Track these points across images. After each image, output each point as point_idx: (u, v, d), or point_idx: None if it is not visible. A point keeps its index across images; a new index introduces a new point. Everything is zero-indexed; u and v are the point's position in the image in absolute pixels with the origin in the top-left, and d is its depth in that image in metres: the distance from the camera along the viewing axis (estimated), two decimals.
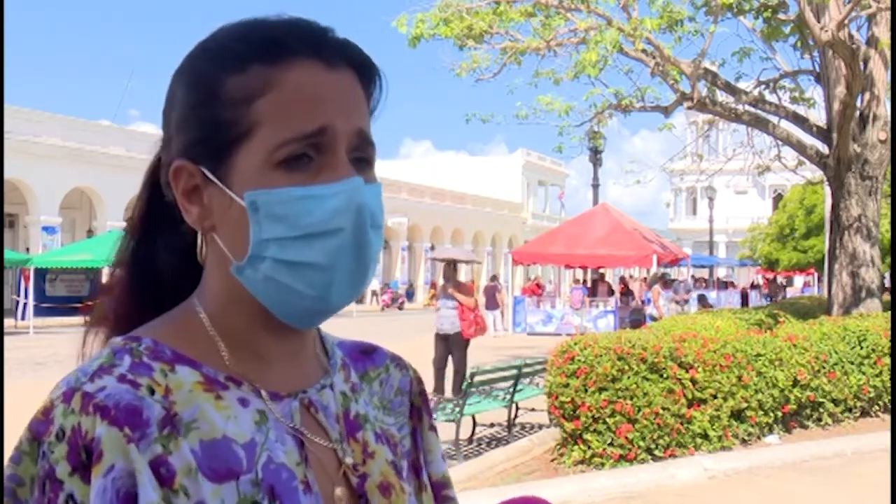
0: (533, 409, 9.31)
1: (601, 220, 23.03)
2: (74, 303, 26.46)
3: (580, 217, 25.49)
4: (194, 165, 0.87)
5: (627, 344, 7.30)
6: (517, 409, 9.10)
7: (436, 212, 50.48)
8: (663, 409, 7.09)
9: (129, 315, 0.92)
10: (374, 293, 41.43)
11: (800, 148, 13.33)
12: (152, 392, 0.81)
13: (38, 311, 24.99)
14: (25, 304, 25.35)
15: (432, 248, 45.20)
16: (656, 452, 7.08)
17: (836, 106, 11.82)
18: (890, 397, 9.00)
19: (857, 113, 12.14)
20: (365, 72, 0.89)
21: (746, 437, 7.75)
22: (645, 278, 25.88)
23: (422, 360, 10.16)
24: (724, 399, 7.48)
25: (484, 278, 40.99)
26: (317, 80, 0.85)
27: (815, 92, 14.64)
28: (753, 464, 7.17)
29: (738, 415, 7.66)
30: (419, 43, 12.30)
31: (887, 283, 21.43)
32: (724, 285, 44.77)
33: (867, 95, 12.20)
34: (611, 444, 7.02)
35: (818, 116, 14.37)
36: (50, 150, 29.47)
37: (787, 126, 13.46)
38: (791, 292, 40.26)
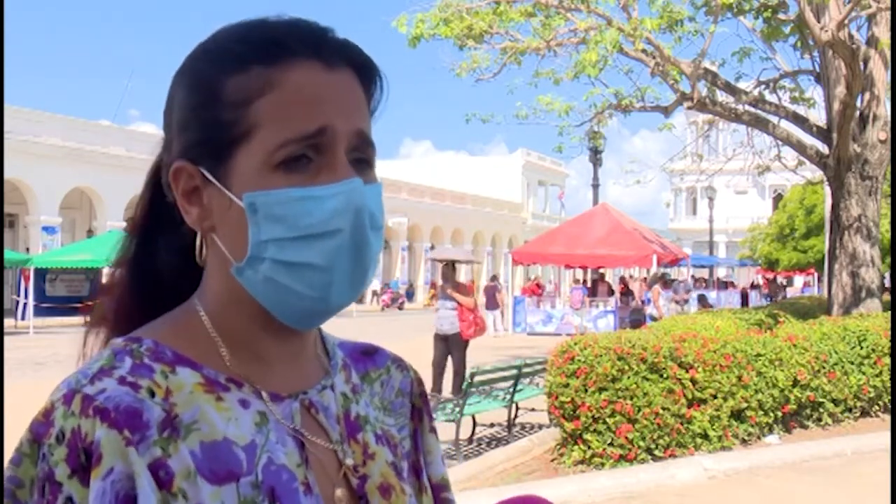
0: (533, 409, 9.31)
1: (601, 220, 23.03)
2: (74, 303, 26.46)
3: (580, 217, 25.49)
4: (194, 166, 0.87)
5: (627, 344, 7.30)
6: (517, 409, 9.10)
7: (436, 212, 50.48)
8: (663, 409, 7.09)
9: (129, 315, 0.92)
10: (374, 293, 41.44)
11: (800, 148, 13.33)
12: (152, 394, 0.81)
13: (38, 311, 24.99)
14: (25, 304, 25.36)
15: (432, 247, 45.20)
16: (656, 452, 7.08)
17: (836, 106, 11.82)
18: (890, 397, 8.99)
19: (857, 113, 12.14)
20: (365, 72, 0.89)
21: (746, 437, 7.75)
22: (645, 278, 25.88)
23: (422, 360, 10.16)
24: (724, 399, 7.48)
25: (484, 278, 41.01)
26: (316, 80, 0.84)
27: (815, 92, 14.65)
28: (753, 464, 7.17)
29: (738, 415, 7.66)
30: (419, 43, 12.30)
31: (887, 283, 21.43)
32: (724, 285, 44.77)
33: (867, 95, 12.20)
34: (611, 444, 7.02)
35: (818, 116, 14.37)
36: (50, 150, 29.47)
37: (787, 126, 13.47)
38: (791, 292, 40.25)
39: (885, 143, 12.00)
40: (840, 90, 11.61)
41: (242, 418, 0.85)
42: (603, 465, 6.98)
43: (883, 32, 11.51)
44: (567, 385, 7.13)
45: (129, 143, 32.85)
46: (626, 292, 25.49)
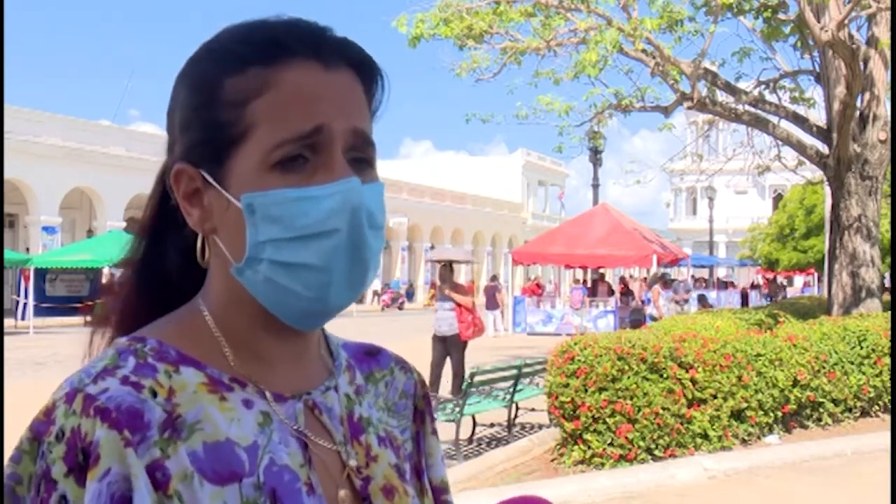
0: (533, 409, 9.31)
1: (601, 220, 23.03)
2: (74, 303, 26.48)
3: (580, 217, 25.49)
4: (194, 168, 0.87)
5: (627, 344, 7.30)
6: (517, 409, 9.10)
7: (436, 212, 50.49)
8: (663, 409, 7.09)
9: (136, 316, 0.92)
10: (375, 293, 41.45)
11: (800, 148, 13.33)
12: (154, 394, 0.81)
13: (38, 311, 25.00)
14: (25, 304, 25.36)
15: (432, 247, 45.21)
16: (656, 452, 7.08)
17: (836, 106, 11.82)
18: (890, 397, 8.99)
19: (857, 113, 12.14)
20: (365, 71, 0.89)
21: (746, 437, 7.75)
22: (645, 278, 25.88)
23: (422, 360, 10.16)
24: (724, 399, 7.48)
25: (484, 278, 41.00)
26: (313, 80, 0.84)
27: (815, 92, 14.65)
28: (753, 464, 7.17)
29: (738, 415, 7.66)
30: (419, 43, 12.30)
31: (887, 283, 21.43)
32: (724, 285, 44.76)
33: (867, 95, 12.20)
34: (611, 444, 7.02)
35: (818, 116, 14.37)
36: (50, 150, 29.48)
37: (787, 126, 13.46)
38: (791, 292, 40.24)
39: (885, 143, 12.00)
40: (840, 90, 11.61)
41: (245, 419, 0.85)
42: (603, 465, 6.98)
43: (883, 32, 11.51)
44: (567, 385, 7.13)
45: (129, 143, 32.87)
46: (626, 292, 25.49)
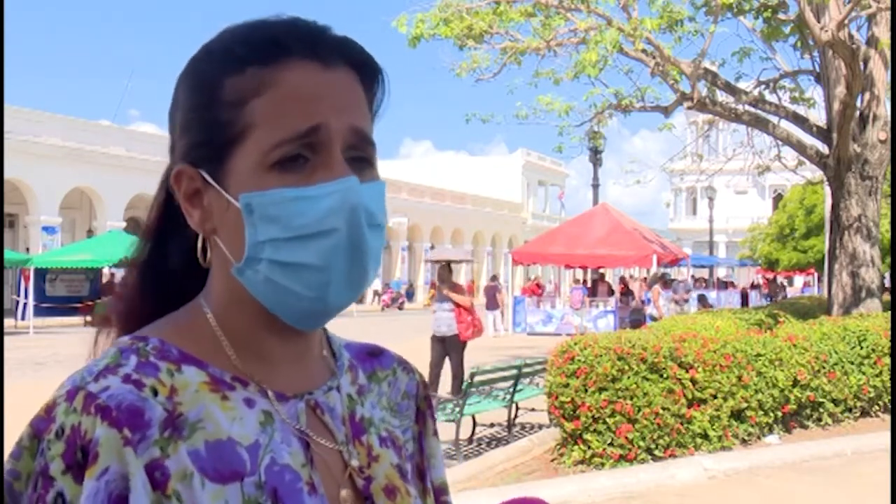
0: (533, 409, 9.31)
1: (601, 220, 23.02)
2: (74, 303, 26.50)
3: (580, 217, 25.49)
4: (194, 169, 0.87)
5: (627, 344, 7.30)
6: (517, 409, 9.10)
7: (436, 212, 50.50)
8: (663, 409, 7.10)
9: (140, 316, 0.92)
10: (375, 293, 41.46)
11: (800, 148, 13.33)
12: (155, 393, 0.81)
13: (38, 311, 25.01)
14: (25, 304, 25.36)
15: (432, 247, 45.24)
16: (656, 452, 7.08)
17: (836, 106, 11.82)
18: (890, 397, 9.00)
19: (857, 113, 12.14)
20: (365, 71, 0.89)
21: (746, 437, 7.75)
22: (645, 278, 25.88)
23: (422, 360, 10.16)
24: (724, 399, 7.48)
25: (484, 278, 41.01)
26: (311, 79, 0.84)
27: (815, 92, 14.65)
28: (753, 464, 7.17)
29: (738, 415, 7.66)
30: (419, 43, 12.30)
31: (887, 283, 21.43)
32: (724, 285, 44.77)
33: (867, 95, 12.20)
34: (611, 444, 7.02)
35: (818, 116, 14.37)
36: (50, 150, 29.49)
37: (787, 126, 13.47)
38: (791, 292, 40.25)
39: (885, 143, 12.00)
40: (840, 90, 11.61)
41: (247, 418, 0.85)
42: (603, 465, 6.98)
43: (883, 32, 11.51)
44: (567, 385, 7.13)
45: (129, 143, 32.90)
46: (626, 292, 25.49)
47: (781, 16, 12.95)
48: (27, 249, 29.23)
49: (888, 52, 11.39)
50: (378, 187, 0.87)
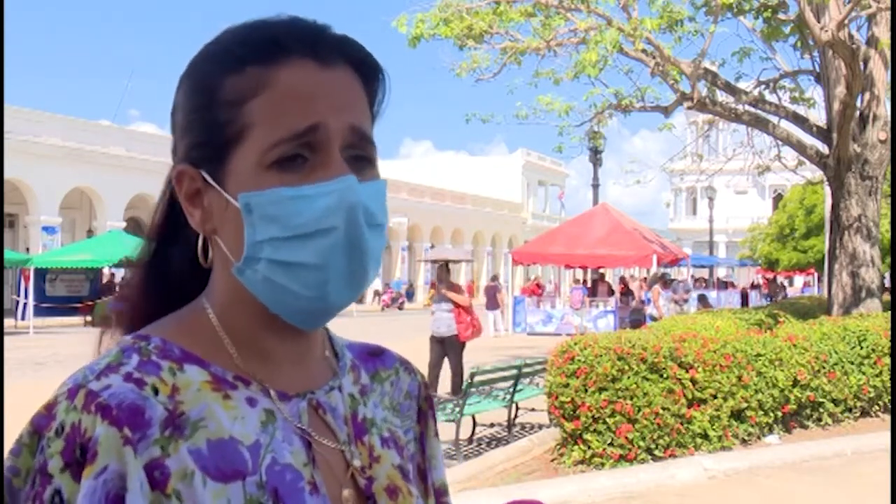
0: (533, 409, 9.31)
1: (601, 220, 23.02)
2: (74, 303, 26.50)
3: (580, 217, 25.48)
4: (195, 169, 0.87)
5: (627, 344, 7.30)
6: (517, 409, 9.10)
7: (436, 212, 50.49)
8: (663, 409, 7.09)
9: (144, 316, 0.92)
10: (376, 293, 41.45)
11: (800, 148, 13.33)
12: (156, 392, 0.82)
13: (38, 311, 25.01)
14: (25, 304, 25.36)
15: (432, 247, 45.21)
16: (656, 452, 7.08)
17: (836, 106, 11.82)
18: (890, 397, 8.99)
19: (857, 113, 12.14)
20: (365, 69, 0.89)
21: (746, 437, 7.75)
22: (645, 278, 25.88)
23: (422, 360, 10.16)
24: (724, 399, 7.48)
25: (484, 278, 40.99)
26: (310, 78, 0.84)
27: (815, 92, 14.65)
28: (753, 464, 7.17)
29: (738, 415, 7.66)
30: (419, 43, 12.30)
31: (887, 283, 21.43)
32: (724, 285, 44.76)
33: (867, 95, 12.20)
34: (611, 444, 7.02)
35: (818, 116, 14.37)
36: (50, 150, 29.49)
37: (787, 126, 13.46)
38: (791, 292, 40.24)
39: (885, 143, 12.00)
40: (840, 90, 11.61)
41: (249, 417, 0.85)
42: (603, 465, 6.98)
43: (883, 32, 11.51)
44: (567, 385, 7.13)
45: (129, 143, 32.90)
46: (626, 292, 25.49)
47: (781, 16, 12.95)
48: (27, 249, 29.22)
49: (888, 52, 11.39)
50: (377, 186, 0.87)
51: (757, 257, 37.12)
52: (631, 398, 7.04)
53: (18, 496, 0.78)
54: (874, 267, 12.47)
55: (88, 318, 26.57)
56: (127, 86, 71.22)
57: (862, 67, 11.57)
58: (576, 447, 7.11)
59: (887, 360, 9.04)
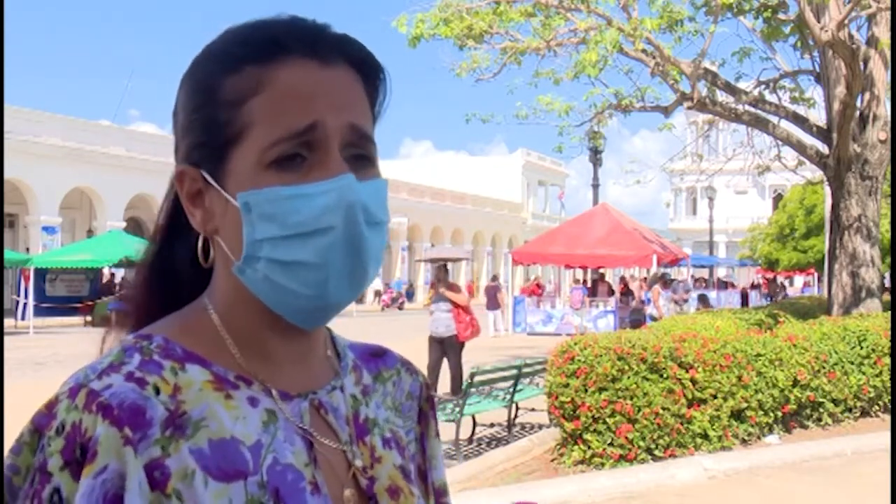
0: (533, 409, 9.31)
1: (601, 220, 23.03)
2: (74, 303, 26.50)
3: (580, 217, 25.49)
4: (196, 169, 0.87)
5: (627, 344, 7.30)
6: (517, 409, 9.10)
7: (436, 212, 50.50)
8: (663, 409, 7.10)
9: (148, 315, 0.92)
10: (377, 293, 41.45)
11: (800, 148, 13.33)
12: (158, 391, 0.82)
13: (38, 311, 25.00)
14: (25, 304, 25.36)
15: (432, 247, 45.21)
16: (656, 452, 7.08)
17: (836, 106, 11.82)
18: (890, 397, 9.00)
19: (857, 113, 12.14)
20: (366, 69, 0.89)
21: (746, 437, 7.75)
22: (645, 278, 25.88)
23: (423, 360, 10.16)
24: (724, 399, 7.48)
25: (484, 278, 40.99)
26: (309, 77, 0.84)
27: (815, 92, 14.65)
28: (753, 464, 7.17)
29: (738, 415, 7.66)
30: (419, 43, 12.30)
31: (887, 283, 21.43)
32: (724, 285, 44.76)
33: (867, 95, 12.20)
34: (611, 444, 7.02)
35: (818, 116, 14.37)
36: (50, 150, 29.49)
37: (787, 126, 13.47)
38: (791, 292, 40.24)
39: (885, 143, 12.00)
40: (840, 90, 11.61)
41: (250, 417, 0.85)
42: (603, 465, 6.98)
43: (883, 32, 11.51)
44: (567, 385, 7.13)
45: (129, 143, 32.90)
46: (626, 292, 25.49)
47: (781, 16, 12.95)
48: (27, 249, 29.23)
49: (888, 52, 11.39)
50: (377, 185, 0.87)
51: (757, 257, 37.12)
52: (631, 398, 7.04)
53: (18, 494, 0.78)
54: (874, 267, 12.47)
55: (88, 318, 26.58)
56: (127, 86, 71.36)
57: (862, 67, 11.57)
58: (576, 447, 7.11)
59: (887, 360, 9.04)
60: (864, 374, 9.02)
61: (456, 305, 10.79)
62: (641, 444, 7.02)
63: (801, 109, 14.19)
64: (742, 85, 14.00)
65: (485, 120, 14.61)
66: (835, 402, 8.72)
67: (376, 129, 0.91)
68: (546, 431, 8.17)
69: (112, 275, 28.19)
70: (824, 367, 8.61)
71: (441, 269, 11.53)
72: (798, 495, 6.57)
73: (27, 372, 14.21)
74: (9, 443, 0.82)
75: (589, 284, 27.85)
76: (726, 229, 63.60)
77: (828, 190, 14.50)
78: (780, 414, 8.09)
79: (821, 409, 8.61)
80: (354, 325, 22.39)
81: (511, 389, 8.65)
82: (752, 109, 13.36)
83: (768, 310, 13.71)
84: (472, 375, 8.18)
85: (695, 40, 12.97)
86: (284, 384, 0.89)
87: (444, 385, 10.72)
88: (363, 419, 0.94)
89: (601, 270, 27.30)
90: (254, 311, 0.88)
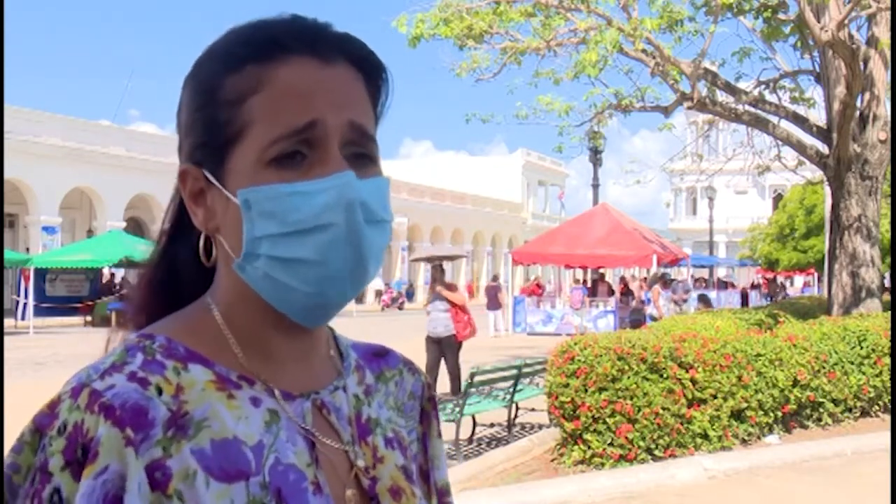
0: (533, 409, 9.31)
1: (601, 220, 23.03)
2: (74, 303, 26.50)
3: (580, 217, 25.49)
4: (198, 169, 0.88)
5: (627, 344, 7.30)
6: (517, 409, 9.10)
7: (436, 212, 50.49)
8: (663, 409, 7.10)
9: (152, 314, 0.92)
10: (377, 293, 41.45)
11: (800, 148, 13.33)
12: (160, 391, 0.82)
13: (38, 311, 25.00)
14: (25, 304, 25.35)
15: (432, 247, 45.21)
16: (656, 452, 7.08)
17: (836, 106, 11.82)
18: (890, 397, 9.00)
19: (857, 113, 12.14)
20: (367, 67, 0.89)
21: (746, 437, 7.75)
22: (645, 278, 25.87)
23: (423, 360, 10.16)
24: (724, 399, 7.48)
25: (484, 278, 40.99)
26: (309, 76, 0.84)
27: (815, 92, 14.65)
28: (753, 464, 7.17)
29: (738, 415, 7.66)
30: (419, 43, 12.30)
31: (887, 283, 21.43)
32: (724, 285, 44.75)
33: (867, 95, 12.20)
34: (611, 444, 7.02)
35: (818, 116, 14.37)
36: (50, 150, 29.48)
37: (787, 126, 13.47)
38: (791, 292, 40.24)
39: (885, 143, 12.00)
40: (840, 90, 11.61)
41: (252, 417, 0.85)
42: (603, 465, 6.98)
43: (883, 32, 11.51)
44: (567, 385, 7.13)
45: (129, 143, 32.88)
46: (626, 292, 25.49)
47: (781, 16, 12.95)
48: (27, 249, 29.22)
49: (888, 52, 11.39)
50: (378, 183, 0.87)
51: (757, 257, 37.11)
52: (631, 398, 7.04)
53: (18, 493, 0.78)
54: (874, 267, 12.47)
55: (88, 318, 26.58)
56: (127, 86, 71.41)
57: (862, 67, 11.57)
58: (576, 447, 7.11)
59: (887, 360, 9.04)
60: (864, 374, 9.02)
61: (453, 305, 10.79)
62: (641, 444, 7.02)
63: (801, 109, 14.19)
64: (742, 85, 14.01)
65: (485, 120, 14.61)
66: (835, 402, 8.72)
67: (378, 128, 0.91)
68: (546, 431, 8.17)
69: (112, 275, 28.18)
70: (824, 367, 8.61)
71: (437, 269, 11.54)
72: (798, 495, 6.57)
73: (27, 372, 14.21)
74: (9, 442, 0.82)
75: (589, 284, 27.85)
76: (726, 229, 63.60)
77: (828, 190, 14.50)
78: (780, 414, 8.09)
79: (821, 409, 8.61)
80: (354, 324, 22.38)
81: (511, 389, 8.65)
82: (752, 109, 13.36)
83: (768, 310, 13.71)
84: (472, 375, 8.18)
85: (695, 40, 12.99)
86: (287, 384, 0.89)
87: (443, 385, 10.72)
88: (365, 419, 0.94)
89: (601, 270, 27.30)
90: (256, 310, 0.88)
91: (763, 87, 14.19)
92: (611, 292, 26.44)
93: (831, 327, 9.36)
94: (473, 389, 8.20)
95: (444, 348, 10.74)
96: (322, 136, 0.83)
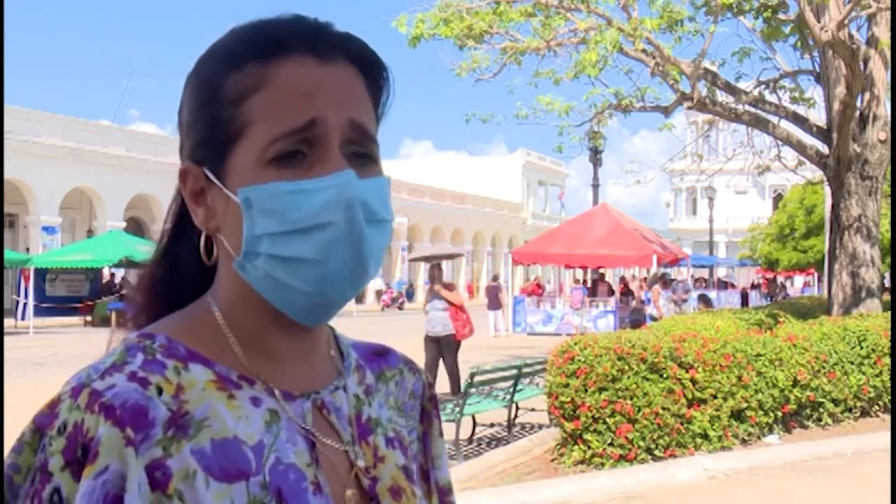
0: (533, 409, 9.30)
1: (601, 220, 23.02)
2: (74, 303, 26.50)
3: (580, 217, 25.49)
4: (198, 167, 0.88)
5: (627, 344, 7.30)
6: (517, 409, 9.10)
7: (436, 212, 50.49)
8: (663, 409, 7.10)
9: (153, 314, 0.92)
10: (378, 292, 41.46)
11: (800, 148, 13.33)
12: (160, 391, 0.82)
13: (38, 311, 25.00)
14: (25, 304, 25.35)
15: (432, 246, 45.20)
16: (656, 452, 7.08)
17: (836, 106, 11.82)
18: (890, 397, 9.00)
19: (857, 113, 12.14)
20: (367, 66, 0.89)
21: (746, 437, 7.75)
22: (645, 278, 25.88)
23: (422, 360, 10.15)
24: (724, 399, 7.48)
25: (484, 278, 41.00)
26: (310, 75, 0.84)
27: (815, 92, 14.65)
28: (753, 464, 7.17)
29: (738, 415, 7.66)
30: (419, 43, 12.30)
31: (887, 283, 21.43)
32: (724, 285, 44.74)
33: (867, 95, 12.20)
34: (611, 444, 7.02)
35: (818, 116, 14.37)
36: (50, 150, 29.49)
37: (787, 126, 13.47)
38: (791, 292, 40.24)
39: (885, 143, 12.00)
40: (840, 90, 11.61)
41: (253, 417, 0.85)
42: (603, 465, 6.98)
43: (883, 32, 11.51)
44: (567, 385, 7.13)
45: (129, 143, 32.88)
46: (626, 292, 25.48)
47: (781, 16, 12.95)
48: (27, 249, 29.22)
49: (888, 52, 11.39)
50: (378, 182, 0.87)
51: (757, 257, 37.11)
52: (631, 398, 7.04)
53: (18, 493, 0.78)
54: (874, 267, 12.47)
55: (88, 318, 26.58)
56: (127, 86, 71.42)
57: (862, 67, 11.57)
58: (576, 447, 7.11)
59: (887, 360, 9.04)
60: (864, 374, 9.02)
61: (451, 304, 10.79)
62: (641, 444, 7.02)
63: (801, 109, 14.19)
64: (742, 85, 14.01)
65: (485, 120, 14.61)
66: (835, 402, 8.72)
67: (379, 128, 0.91)
68: (546, 431, 8.16)
69: (112, 275, 28.18)
70: (824, 367, 8.61)
71: (436, 269, 11.55)
72: (798, 495, 6.57)
73: (27, 372, 14.21)
74: (9, 442, 0.82)
75: (589, 284, 27.85)
76: (726, 229, 63.60)
77: (828, 190, 14.50)
78: (780, 414, 8.09)
79: (821, 409, 8.61)
80: (354, 324, 22.39)
81: (511, 389, 8.65)
82: (752, 109, 13.36)
83: (768, 310, 13.70)
84: (472, 375, 8.17)
85: (695, 40, 12.99)
86: (287, 384, 0.89)
87: (442, 385, 10.72)
88: (366, 419, 0.94)
89: (601, 270, 27.30)
90: (256, 309, 0.88)
91: (763, 87, 14.19)
92: (611, 292, 26.44)
93: (831, 327, 9.36)
94: (473, 389, 8.19)
95: (443, 348, 10.74)
96: (322, 135, 0.83)
